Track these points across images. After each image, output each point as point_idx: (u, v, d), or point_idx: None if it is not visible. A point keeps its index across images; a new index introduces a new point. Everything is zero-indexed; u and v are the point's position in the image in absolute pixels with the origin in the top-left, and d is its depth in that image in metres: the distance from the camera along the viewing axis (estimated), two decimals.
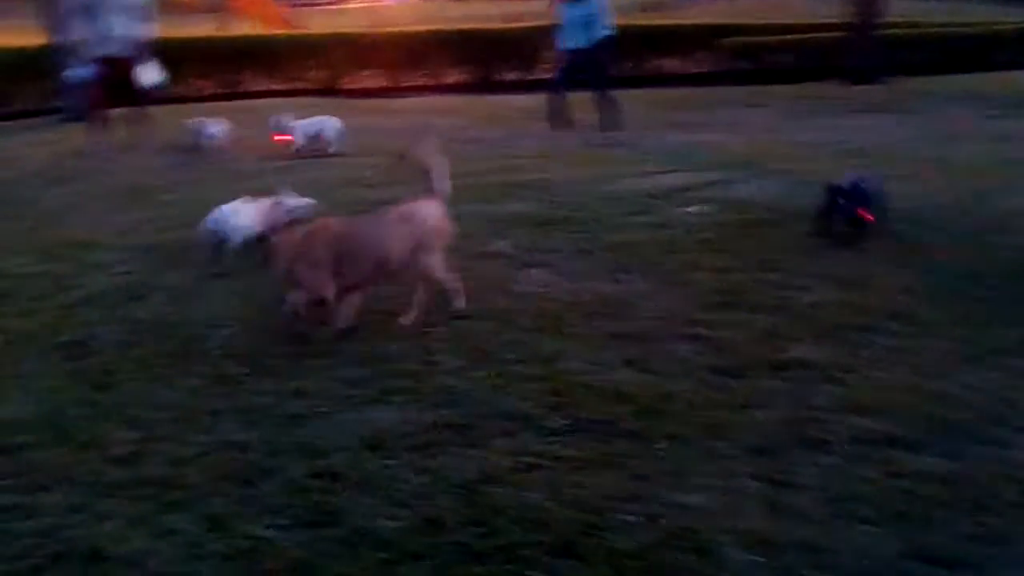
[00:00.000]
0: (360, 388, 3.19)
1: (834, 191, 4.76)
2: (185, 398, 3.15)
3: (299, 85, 15.26)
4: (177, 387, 3.23)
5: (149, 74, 8.16)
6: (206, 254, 4.55)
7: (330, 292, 3.55)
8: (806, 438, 2.67)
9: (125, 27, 8.19)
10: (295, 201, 4.50)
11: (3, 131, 11.04)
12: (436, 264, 3.74)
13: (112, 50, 8.18)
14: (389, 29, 18.06)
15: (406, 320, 3.76)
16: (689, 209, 5.65)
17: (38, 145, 9.39)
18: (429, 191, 3.74)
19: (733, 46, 15.54)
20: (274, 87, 15.01)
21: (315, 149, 8.20)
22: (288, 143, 8.24)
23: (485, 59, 15.79)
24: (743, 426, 2.76)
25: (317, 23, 21.81)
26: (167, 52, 14.12)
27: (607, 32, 9.36)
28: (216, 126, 8.49)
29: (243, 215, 4.52)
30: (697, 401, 2.95)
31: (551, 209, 5.77)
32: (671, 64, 15.84)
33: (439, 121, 10.62)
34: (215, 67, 14.79)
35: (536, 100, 12.86)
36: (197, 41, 15.07)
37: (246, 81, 15.10)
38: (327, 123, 8.41)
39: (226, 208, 4.57)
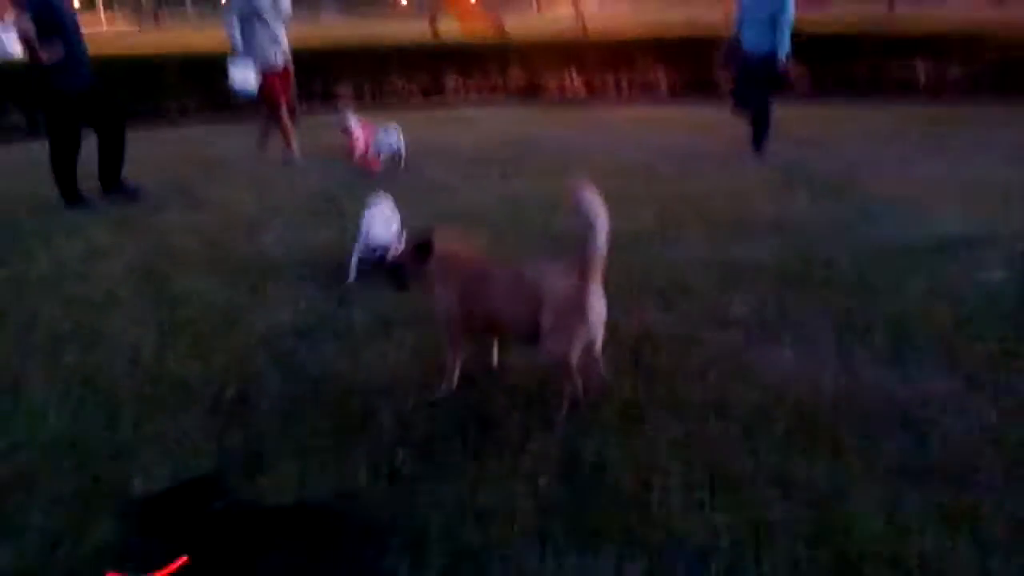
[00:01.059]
0: (559, 515, 2.47)
1: None
2: (348, 504, 2.56)
3: (500, 92, 15.01)
4: (339, 485, 2.65)
5: (243, 78, 7.95)
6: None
7: (456, 326, 3.17)
8: None
9: (282, 35, 8.17)
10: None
11: (220, 130, 11.40)
12: (554, 350, 2.93)
13: (279, 59, 8.17)
14: (595, 34, 17.42)
15: (558, 414, 3.02)
16: (988, 274, 4.43)
17: (246, 147, 9.53)
18: (579, 253, 2.87)
19: (1001, 54, 13.42)
20: (474, 93, 14.86)
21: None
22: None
23: (700, 64, 14.72)
24: None
25: (520, 27, 21.61)
26: (372, 55, 14.59)
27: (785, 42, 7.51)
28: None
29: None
30: None
31: (798, 258, 4.77)
32: (921, 70, 13.93)
33: (648, 134, 9.80)
34: (418, 71, 14.82)
35: None
36: (402, 45, 15.17)
37: (448, 86, 15.03)
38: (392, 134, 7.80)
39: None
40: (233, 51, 7.97)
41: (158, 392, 3.26)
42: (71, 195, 6.63)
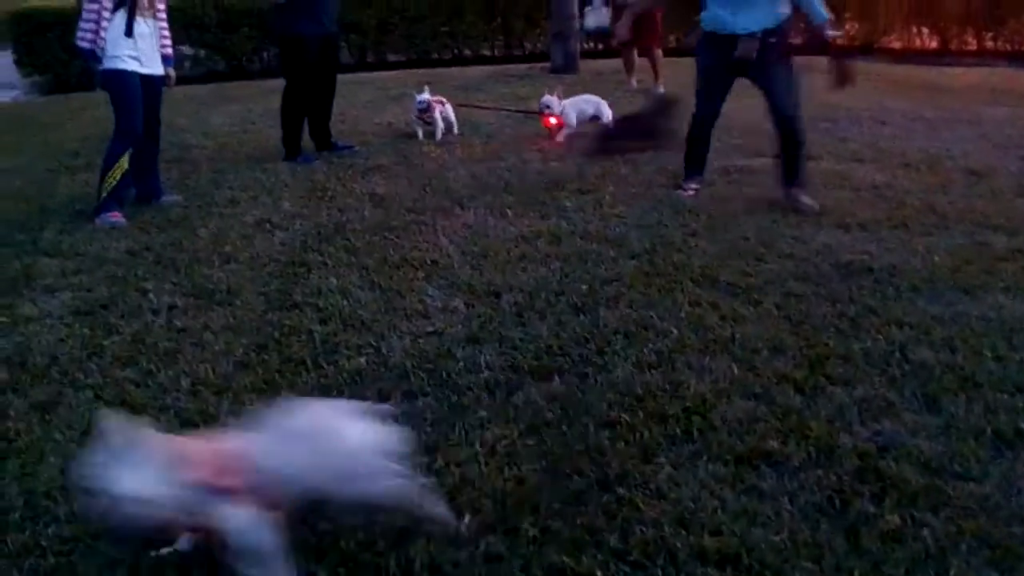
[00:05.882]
0: None
1: None
2: None
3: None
4: None
5: (596, 17, 7.72)
6: None
7: None
8: None
9: None
10: None
11: (501, 78, 10.98)
12: None
13: None
14: None
15: None
16: None
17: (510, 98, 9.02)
18: None
19: None
20: None
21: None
22: (558, 127, 6.84)
23: None
24: None
25: None
26: None
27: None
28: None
29: None
30: None
31: None
32: None
33: (995, 111, 7.65)
34: None
35: None
36: None
37: None
38: (599, 104, 7.09)
39: None
40: None
41: None
42: (293, 148, 6.54)
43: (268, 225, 4.92)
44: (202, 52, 13.10)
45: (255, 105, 9.10)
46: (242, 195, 5.59)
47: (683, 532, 2.17)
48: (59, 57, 12.13)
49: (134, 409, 2.86)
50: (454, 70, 11.77)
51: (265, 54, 13.07)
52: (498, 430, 2.70)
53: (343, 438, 1.96)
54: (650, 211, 4.91)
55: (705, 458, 2.49)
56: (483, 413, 2.81)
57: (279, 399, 2.85)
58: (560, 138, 6.81)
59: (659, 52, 9.07)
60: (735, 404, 2.78)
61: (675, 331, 3.33)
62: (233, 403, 2.91)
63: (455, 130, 7.22)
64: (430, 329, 3.46)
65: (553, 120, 6.84)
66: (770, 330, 3.30)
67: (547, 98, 6.85)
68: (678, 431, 2.63)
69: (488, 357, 3.18)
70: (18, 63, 12.99)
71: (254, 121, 8.30)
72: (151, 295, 3.92)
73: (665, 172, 5.68)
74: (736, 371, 2.99)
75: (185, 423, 2.80)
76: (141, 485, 1.72)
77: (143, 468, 1.73)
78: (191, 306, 3.79)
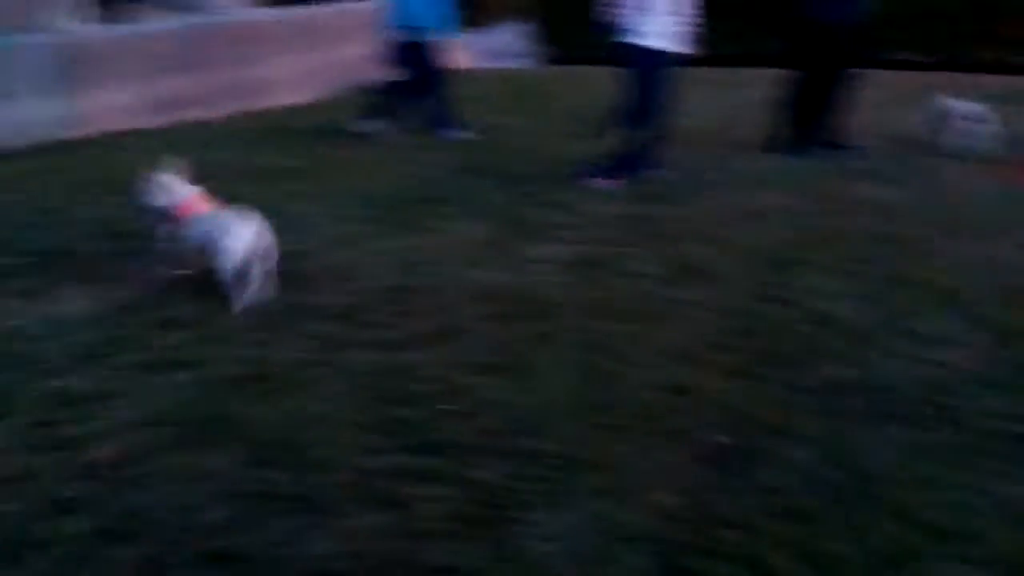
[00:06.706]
0: None
1: None
2: None
3: None
4: None
5: None
6: None
7: None
8: None
9: None
10: None
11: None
12: None
13: None
14: None
15: None
16: None
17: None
18: None
19: None
20: None
21: None
22: None
23: None
24: None
25: None
26: None
27: None
28: None
29: None
30: None
31: None
32: None
33: None
34: None
35: None
36: None
37: None
38: None
39: None
40: None
41: None
42: (794, 140, 6.15)
43: (757, 215, 4.76)
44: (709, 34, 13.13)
45: (754, 92, 8.90)
46: (732, 180, 5.50)
47: None
48: (571, 30, 13.09)
49: (597, 365, 2.98)
50: (986, 77, 10.32)
51: (761, 40, 12.66)
52: (1012, 488, 2.26)
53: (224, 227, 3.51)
54: None
55: None
56: (994, 464, 2.37)
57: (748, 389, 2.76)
58: None
59: None
60: None
61: None
62: (703, 379, 2.86)
63: (998, 148, 6.24)
64: (936, 358, 3.01)
65: None
66: None
67: None
68: None
69: (1006, 404, 2.68)
70: (535, 35, 14.34)
71: (752, 108, 8.11)
72: (637, 261, 4.04)
73: None
74: None
75: (660, 387, 2.80)
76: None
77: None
78: (675, 278, 3.81)
